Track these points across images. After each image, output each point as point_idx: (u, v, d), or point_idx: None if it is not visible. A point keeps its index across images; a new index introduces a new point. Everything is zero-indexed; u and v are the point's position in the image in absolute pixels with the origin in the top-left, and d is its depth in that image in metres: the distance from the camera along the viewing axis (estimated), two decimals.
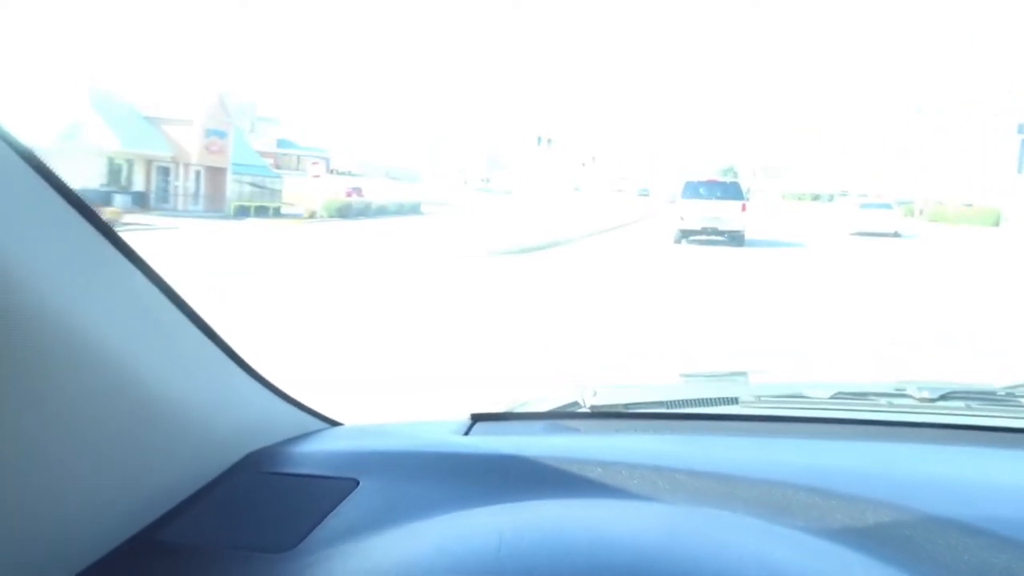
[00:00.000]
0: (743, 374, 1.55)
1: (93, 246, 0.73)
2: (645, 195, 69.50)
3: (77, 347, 0.69)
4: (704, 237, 19.16)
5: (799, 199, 73.62)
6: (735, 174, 79.50)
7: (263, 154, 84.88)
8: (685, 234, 19.41)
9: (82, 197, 0.70)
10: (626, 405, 1.21)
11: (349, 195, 41.33)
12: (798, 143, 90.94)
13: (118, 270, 0.76)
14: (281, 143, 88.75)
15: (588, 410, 1.18)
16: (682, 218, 19.40)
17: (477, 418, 1.13)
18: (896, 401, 1.23)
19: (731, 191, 20.07)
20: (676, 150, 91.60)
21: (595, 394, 1.22)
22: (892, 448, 1.02)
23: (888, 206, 29.36)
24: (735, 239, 19.05)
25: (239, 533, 0.86)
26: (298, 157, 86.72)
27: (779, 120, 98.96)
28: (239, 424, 0.97)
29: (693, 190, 19.87)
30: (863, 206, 29.38)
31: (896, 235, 26.52)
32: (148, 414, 0.79)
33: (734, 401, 1.22)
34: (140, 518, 0.82)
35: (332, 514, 0.86)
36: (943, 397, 1.18)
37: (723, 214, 18.97)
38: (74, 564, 0.75)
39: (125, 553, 0.79)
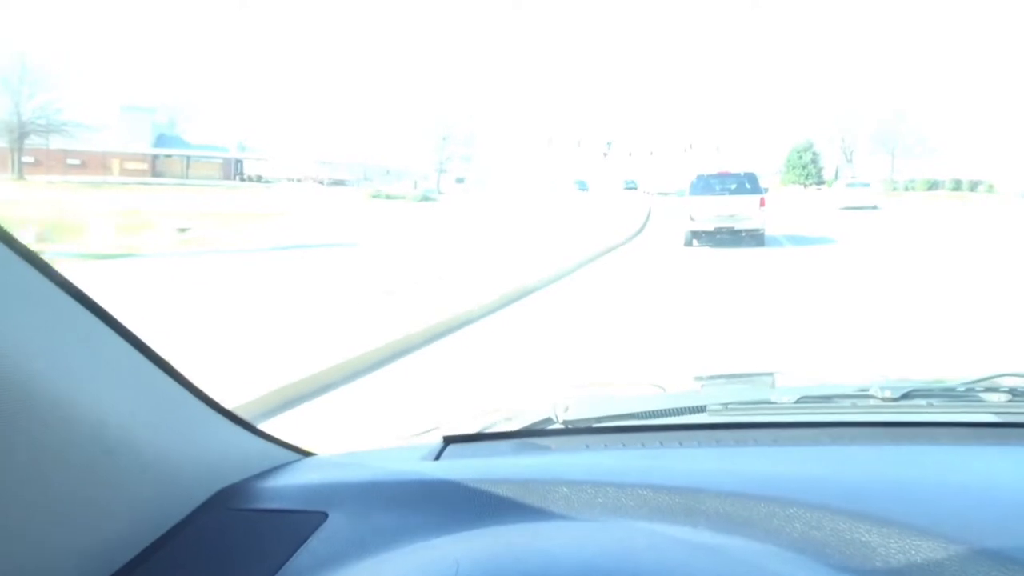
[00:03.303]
0: (720, 377, 1.68)
1: (34, 285, 0.73)
2: (632, 188, 62.08)
3: (25, 391, 0.68)
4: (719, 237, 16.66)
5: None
6: (814, 154, 61.76)
7: (127, 156, 57.79)
8: (696, 235, 16.77)
9: (15, 238, 0.70)
10: (597, 419, 1.20)
11: None
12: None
13: (61, 307, 0.75)
14: (163, 140, 62.37)
15: (561, 425, 1.18)
16: (692, 218, 16.73)
17: (449, 440, 1.13)
18: (860, 402, 1.23)
19: (747, 184, 17.07)
20: (671, 145, 76.76)
21: (567, 409, 1.21)
22: (852, 451, 1.04)
23: (868, 184, 37.86)
24: (754, 238, 16.51)
25: (209, 574, 0.86)
26: (187, 159, 61.33)
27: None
28: (207, 461, 0.95)
29: (704, 185, 17.19)
30: (849, 185, 37.48)
31: (875, 208, 33.51)
32: (108, 458, 0.78)
33: (702, 409, 1.22)
34: (108, 564, 0.80)
35: (301, 549, 0.87)
36: (905, 396, 1.19)
37: (739, 211, 16.54)
38: None
39: None
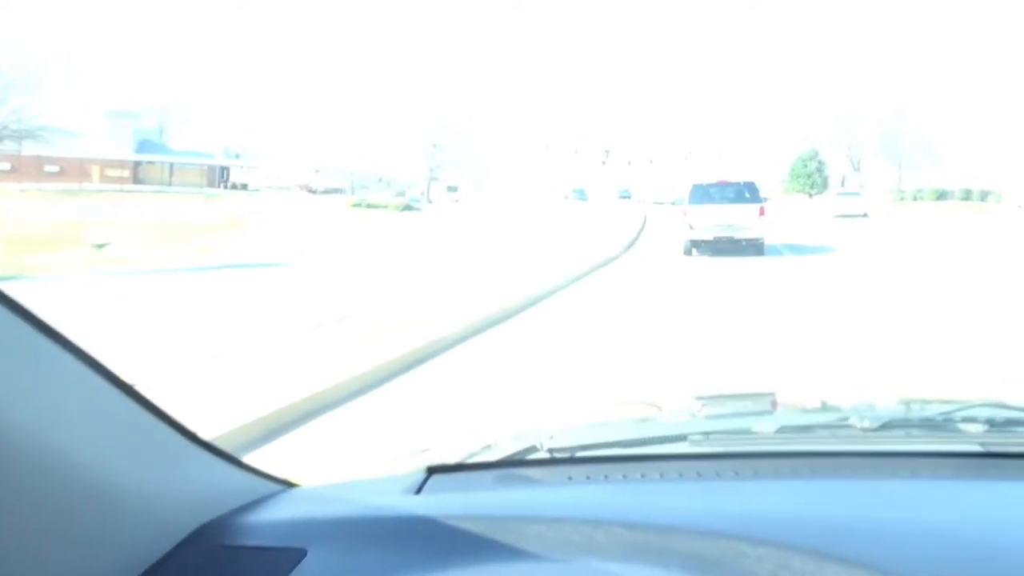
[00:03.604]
0: (721, 397, 1.74)
1: (13, 329, 0.72)
2: (626, 197, 60.28)
3: (17, 439, 0.68)
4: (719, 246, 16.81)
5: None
6: (820, 163, 61.74)
7: (108, 162, 56.23)
8: (696, 244, 16.79)
9: None
10: (581, 447, 1.20)
11: None
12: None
13: (26, 340, 0.74)
14: (146, 146, 60.66)
15: (545, 454, 1.16)
16: (691, 227, 16.77)
17: (433, 471, 1.13)
18: (839, 432, 1.24)
19: (746, 193, 17.01)
20: (670, 153, 74.57)
21: (551, 437, 1.20)
22: (830, 485, 1.03)
23: (857, 194, 40.02)
24: (753, 247, 16.60)
25: None
26: (170, 166, 59.59)
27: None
28: (188, 495, 0.95)
29: (703, 194, 17.14)
30: (839, 194, 40.35)
31: (865, 216, 34.69)
32: (85, 494, 0.77)
33: (683, 439, 1.22)
34: None
35: None
36: (883, 426, 1.20)
37: (738, 220, 16.60)
38: None
39: None
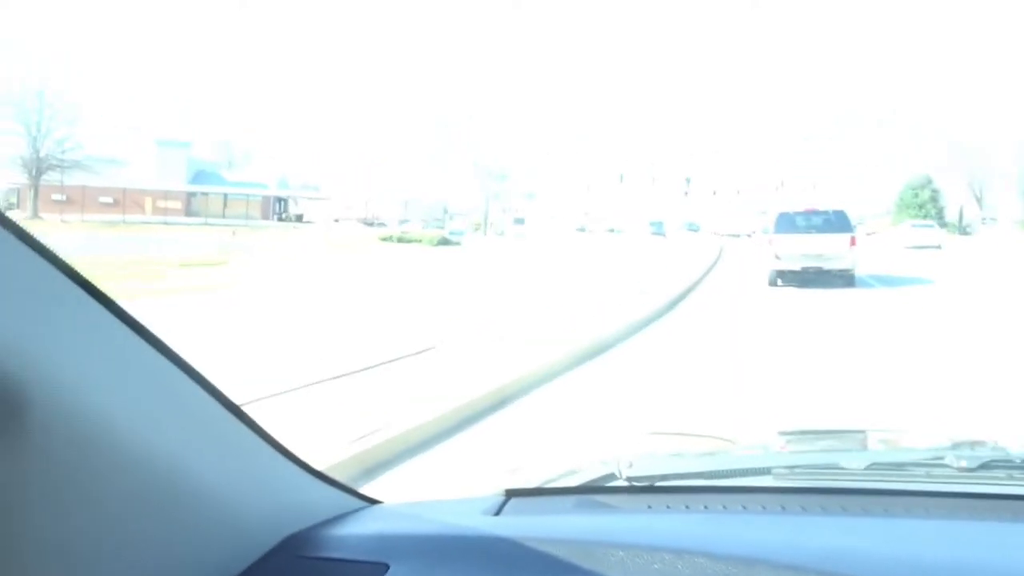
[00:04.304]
0: (808, 433, 1.67)
1: (116, 335, 0.75)
2: (694, 230, 56.66)
3: (99, 433, 0.70)
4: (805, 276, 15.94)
5: None
6: (934, 191, 54.73)
7: (160, 193, 54.69)
8: (781, 274, 15.98)
9: (92, 282, 0.72)
10: (661, 476, 1.19)
11: None
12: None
13: (137, 351, 0.77)
14: (200, 176, 59.03)
15: (624, 482, 1.15)
16: (777, 256, 16.02)
17: (511, 494, 1.12)
18: (934, 471, 1.18)
19: (836, 222, 16.23)
20: (760, 183, 71.78)
21: (630, 465, 1.19)
22: (924, 525, 0.99)
23: (932, 225, 38.53)
24: (843, 278, 15.67)
25: None
26: (224, 197, 57.71)
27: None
28: (278, 507, 0.97)
29: (789, 222, 16.41)
30: (914, 226, 37.74)
31: (939, 247, 32.86)
32: (181, 501, 0.80)
33: (767, 472, 1.20)
34: None
35: None
36: (983, 466, 1.15)
37: (828, 250, 15.68)
38: None
39: None
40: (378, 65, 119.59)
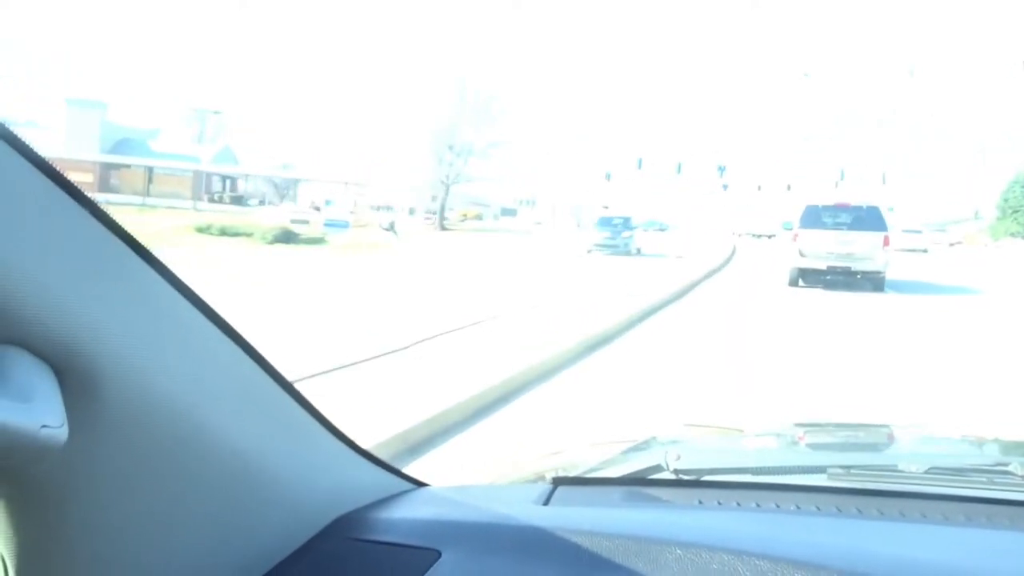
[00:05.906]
0: (828, 425, 1.67)
1: (181, 313, 0.76)
2: (663, 230, 54.27)
3: (169, 413, 0.72)
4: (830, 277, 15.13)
5: None
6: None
7: (69, 164, 42.78)
8: (803, 273, 15.01)
9: (168, 267, 0.73)
10: (710, 470, 1.19)
11: None
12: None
13: (203, 330, 0.78)
14: (122, 145, 48.19)
15: (671, 475, 1.14)
16: (801, 253, 14.90)
17: (559, 482, 1.12)
18: (998, 478, 1.15)
19: (868, 219, 14.92)
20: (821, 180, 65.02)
21: (678, 457, 1.18)
22: (989, 535, 0.95)
23: (919, 231, 40.40)
24: (872, 282, 14.74)
25: None
26: (148, 171, 46.96)
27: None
28: (329, 488, 0.98)
29: (816, 217, 15.08)
30: (904, 231, 37.48)
31: (925, 251, 35.65)
32: (241, 481, 0.82)
33: (822, 471, 1.19)
34: None
35: None
36: None
37: (858, 249, 14.61)
38: None
39: None
40: (373, 63, 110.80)
